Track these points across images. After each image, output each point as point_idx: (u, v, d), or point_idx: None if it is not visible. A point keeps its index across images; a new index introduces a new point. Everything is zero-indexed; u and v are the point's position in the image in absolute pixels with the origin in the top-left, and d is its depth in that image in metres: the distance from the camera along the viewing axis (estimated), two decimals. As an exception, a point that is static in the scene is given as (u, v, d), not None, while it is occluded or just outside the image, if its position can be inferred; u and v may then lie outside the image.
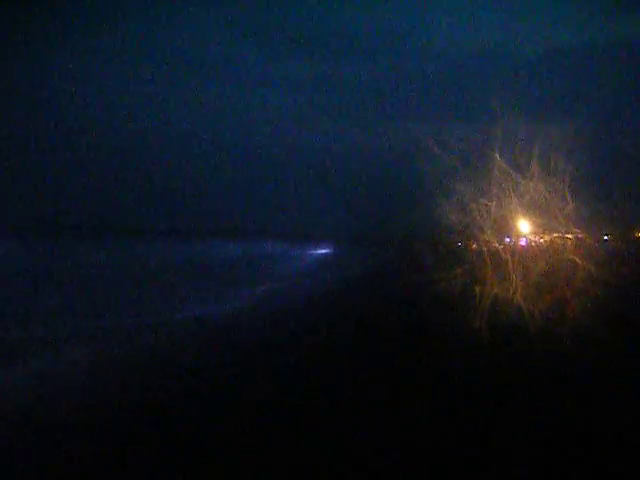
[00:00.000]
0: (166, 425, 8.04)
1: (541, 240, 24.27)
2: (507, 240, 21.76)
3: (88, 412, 8.72)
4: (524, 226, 21.53)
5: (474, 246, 21.48)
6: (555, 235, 23.80)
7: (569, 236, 22.86)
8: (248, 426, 7.80)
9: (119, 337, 14.63)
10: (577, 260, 19.04)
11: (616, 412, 7.73)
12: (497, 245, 20.95)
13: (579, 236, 22.32)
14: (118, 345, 13.83)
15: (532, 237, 23.86)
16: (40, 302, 18.46)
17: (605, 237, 24.83)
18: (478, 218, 20.20)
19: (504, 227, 20.69)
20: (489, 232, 20.62)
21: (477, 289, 16.75)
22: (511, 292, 16.06)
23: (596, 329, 11.22)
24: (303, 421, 7.83)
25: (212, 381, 10.21)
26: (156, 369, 11.09)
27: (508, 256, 19.02)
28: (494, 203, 19.82)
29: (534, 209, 20.31)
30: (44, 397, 9.63)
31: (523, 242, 23.65)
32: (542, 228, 22.01)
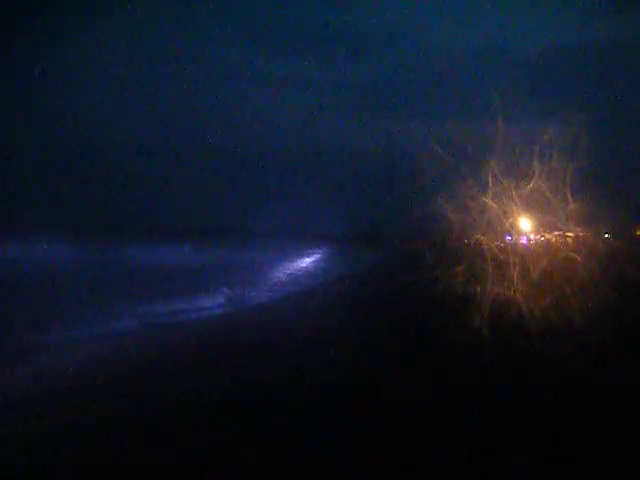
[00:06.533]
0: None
1: (542, 238, 24.24)
2: (508, 238, 21.71)
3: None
4: (525, 224, 21.49)
5: (475, 244, 21.43)
6: (556, 233, 23.78)
7: (570, 234, 22.85)
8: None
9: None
10: (578, 258, 19.00)
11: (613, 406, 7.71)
12: (498, 243, 20.91)
13: (580, 234, 22.30)
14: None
15: (533, 235, 23.84)
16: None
17: (606, 235, 24.84)
18: (479, 217, 20.17)
19: (505, 225, 20.65)
20: (490, 230, 20.59)
21: (478, 288, 16.66)
22: (512, 291, 16.00)
23: (597, 332, 11.17)
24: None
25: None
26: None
27: (509, 254, 18.95)
28: (495, 202, 19.78)
29: (535, 208, 20.28)
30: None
31: (524, 240, 23.63)
32: (543, 226, 21.98)
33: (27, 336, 13.59)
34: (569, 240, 22.98)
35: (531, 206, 20.20)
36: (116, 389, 9.61)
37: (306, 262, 41.65)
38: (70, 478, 6.40)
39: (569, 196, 19.04)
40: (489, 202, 19.78)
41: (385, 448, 6.80)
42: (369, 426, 7.48)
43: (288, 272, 33.23)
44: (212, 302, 20.13)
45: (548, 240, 24.19)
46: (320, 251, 50.60)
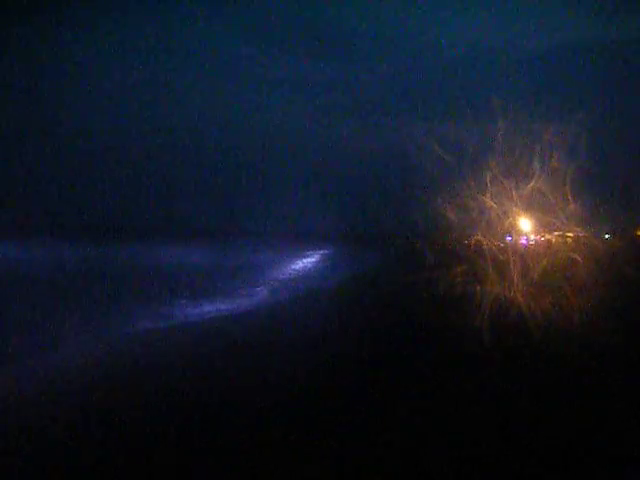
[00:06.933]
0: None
1: (542, 239, 24.27)
2: (508, 239, 21.75)
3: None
4: (525, 225, 21.49)
5: (475, 244, 21.46)
6: (556, 234, 23.81)
7: (570, 234, 22.88)
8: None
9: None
10: (578, 258, 19.02)
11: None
12: (498, 243, 20.92)
13: (580, 235, 22.33)
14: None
15: (533, 235, 23.87)
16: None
17: (606, 235, 24.89)
18: (479, 217, 20.18)
19: (505, 226, 20.67)
20: (490, 231, 20.61)
21: (478, 288, 16.66)
22: (512, 291, 16.01)
23: (597, 331, 11.18)
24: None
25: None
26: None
27: (509, 255, 18.98)
28: (495, 202, 19.81)
29: (535, 208, 20.29)
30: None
31: (524, 240, 23.66)
32: (543, 227, 21.99)
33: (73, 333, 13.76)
34: (569, 240, 23.03)
35: (531, 206, 20.21)
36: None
37: (309, 262, 41.77)
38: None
39: (569, 196, 19.04)
40: (489, 202, 19.80)
41: (383, 446, 6.82)
42: (369, 422, 7.51)
43: (292, 273, 33.33)
44: (221, 303, 20.15)
45: (549, 240, 24.23)
46: (322, 252, 50.74)
